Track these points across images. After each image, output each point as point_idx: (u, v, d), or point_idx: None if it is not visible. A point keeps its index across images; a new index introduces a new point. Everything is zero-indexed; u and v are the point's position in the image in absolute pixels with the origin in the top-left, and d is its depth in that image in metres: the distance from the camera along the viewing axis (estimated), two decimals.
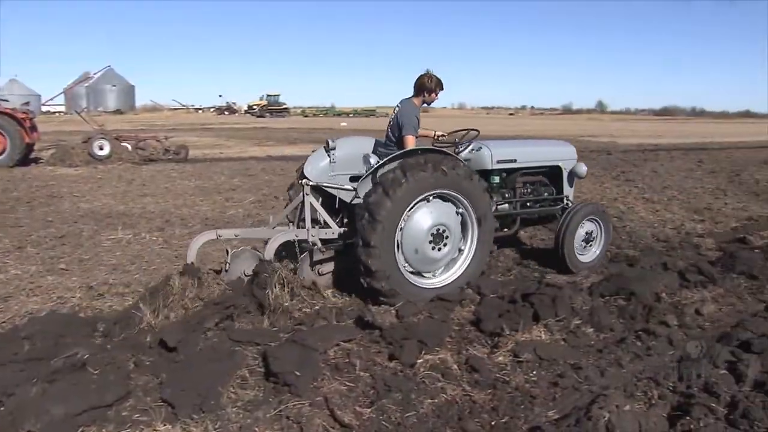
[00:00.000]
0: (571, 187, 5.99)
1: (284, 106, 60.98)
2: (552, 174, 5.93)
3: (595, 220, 5.69)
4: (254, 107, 59.90)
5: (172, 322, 3.85)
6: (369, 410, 2.97)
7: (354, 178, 5.19)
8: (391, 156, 4.65)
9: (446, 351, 3.64)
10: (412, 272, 4.59)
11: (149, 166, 13.80)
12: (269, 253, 4.45)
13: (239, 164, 14.45)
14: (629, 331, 3.98)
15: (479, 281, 4.78)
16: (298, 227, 4.85)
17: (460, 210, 4.74)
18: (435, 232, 4.60)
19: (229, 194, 9.89)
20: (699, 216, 8.31)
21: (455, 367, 3.43)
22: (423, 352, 3.53)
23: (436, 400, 3.09)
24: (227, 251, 4.57)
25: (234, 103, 66.81)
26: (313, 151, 5.30)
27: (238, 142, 23.63)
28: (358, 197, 4.61)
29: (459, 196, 4.67)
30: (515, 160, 5.62)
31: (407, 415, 2.95)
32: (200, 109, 70.32)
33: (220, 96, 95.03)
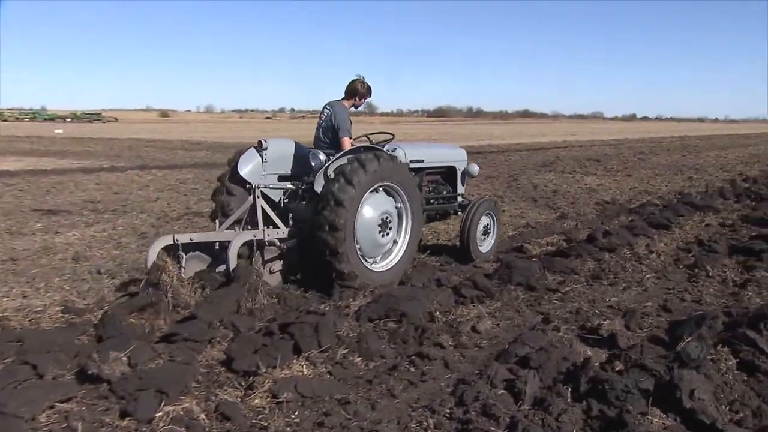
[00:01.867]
0: (463, 185, 8.32)
1: None
2: (448, 174, 8.17)
3: (490, 215, 8.00)
4: None
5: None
6: None
7: (282, 178, 6.89)
8: (341, 154, 6.38)
9: (192, 399, 3.74)
10: (363, 257, 6.31)
11: None
12: (233, 254, 5.72)
13: None
14: (402, 357, 4.54)
15: (234, 317, 5.01)
16: (244, 229, 6.26)
17: (398, 204, 6.64)
18: (382, 220, 6.45)
19: None
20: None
21: (203, 416, 3.54)
22: (163, 403, 3.57)
23: None
24: (182, 255, 5.80)
25: None
26: (244, 152, 6.78)
27: None
28: (314, 192, 6.31)
29: (400, 189, 6.55)
30: (423, 161, 7.61)
31: None
32: None
33: None
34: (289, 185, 6.83)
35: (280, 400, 3.74)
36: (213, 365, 4.29)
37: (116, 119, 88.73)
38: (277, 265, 6.11)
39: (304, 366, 4.24)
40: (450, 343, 4.83)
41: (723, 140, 50.15)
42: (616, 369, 4.00)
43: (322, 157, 6.62)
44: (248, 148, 6.84)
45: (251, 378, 4.03)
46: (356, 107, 6.99)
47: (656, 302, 6.07)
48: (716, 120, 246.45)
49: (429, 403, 3.76)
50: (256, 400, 3.76)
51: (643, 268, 7.31)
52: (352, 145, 6.62)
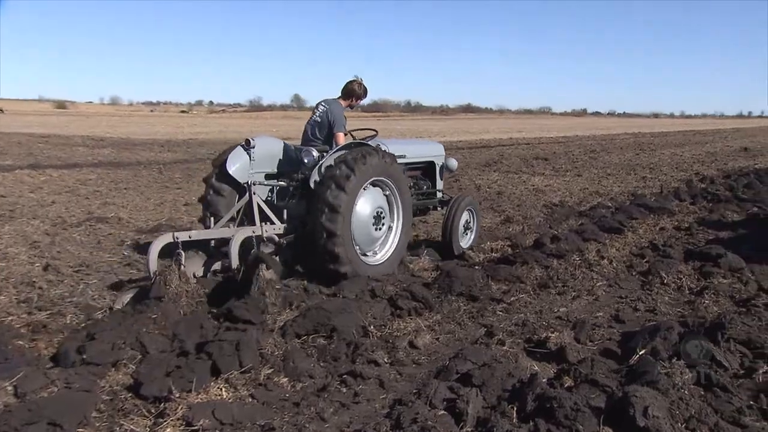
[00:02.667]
0: (441, 180, 9.40)
1: None
2: (428, 169, 9.24)
3: (471, 210, 8.99)
4: None
5: None
6: None
7: (269, 176, 7.80)
8: (335, 150, 7.28)
9: (92, 431, 3.68)
10: (361, 253, 7.22)
11: None
12: (234, 251, 6.47)
13: None
14: (332, 376, 4.58)
15: (143, 336, 4.92)
16: (238, 226, 7.15)
17: (387, 192, 7.56)
18: (376, 214, 7.38)
19: None
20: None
21: None
22: None
23: None
24: (181, 253, 6.26)
25: None
26: (231, 150, 7.59)
27: None
28: (307, 188, 7.10)
29: (389, 182, 7.46)
30: (405, 156, 8.51)
31: None
32: None
33: None
34: (281, 182, 7.80)
35: (196, 428, 3.72)
36: (118, 391, 4.22)
37: (2, 110, 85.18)
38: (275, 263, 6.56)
39: (224, 389, 4.22)
40: (385, 360, 4.90)
41: (678, 137, 52.25)
42: (566, 385, 4.14)
43: (316, 153, 7.47)
44: (235, 147, 7.66)
45: (162, 404, 3.98)
46: (351, 107, 8.07)
47: (608, 312, 6.31)
48: (671, 115, 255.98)
49: (362, 427, 3.81)
50: (168, 429, 3.73)
51: (593, 276, 7.57)
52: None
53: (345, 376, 4.56)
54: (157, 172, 19.01)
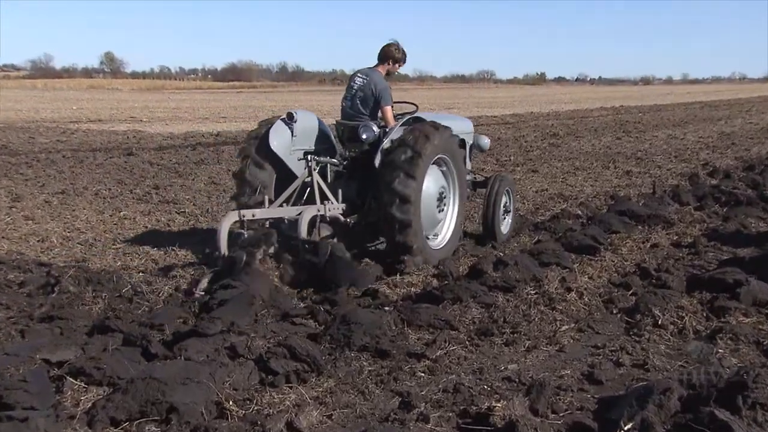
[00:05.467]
0: (470, 161, 12.30)
1: None
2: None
3: (509, 192, 11.92)
4: None
5: None
6: None
7: (307, 153, 10.22)
8: (397, 125, 10.24)
9: None
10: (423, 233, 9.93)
11: None
12: (303, 230, 9.13)
13: None
14: None
15: None
16: (297, 204, 9.95)
17: (443, 168, 10.47)
18: (438, 195, 10.26)
19: None
20: None
21: None
22: None
23: None
24: (243, 233, 9.09)
25: None
26: (272, 124, 10.24)
27: None
28: (368, 166, 10.14)
29: (447, 158, 10.33)
30: None
31: None
32: None
33: None
34: (333, 160, 10.68)
35: None
36: None
37: None
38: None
39: None
40: None
41: (678, 112, 53.96)
42: None
43: (376, 129, 10.28)
44: (276, 120, 10.34)
45: None
46: (391, 74, 10.78)
47: (578, 369, 6.49)
48: (668, 80, 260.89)
49: None
50: None
51: (556, 316, 7.80)
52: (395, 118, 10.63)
53: None
54: None
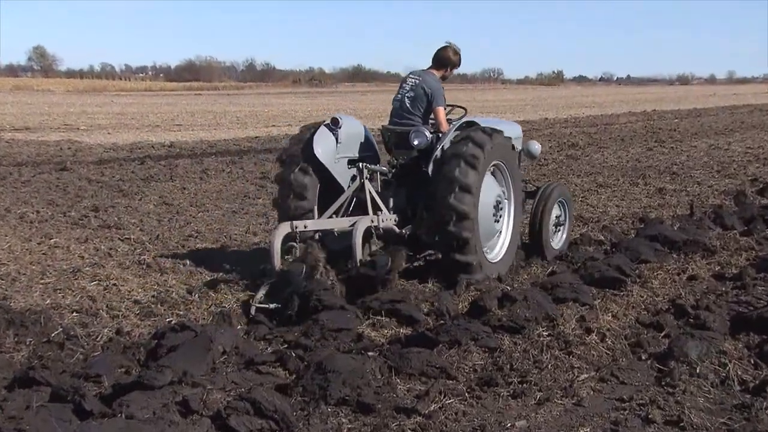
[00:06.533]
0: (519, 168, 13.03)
1: None
2: None
3: (562, 203, 13.02)
4: None
5: None
6: None
7: (352, 162, 11.57)
8: (451, 131, 11.27)
9: None
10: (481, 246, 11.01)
11: None
12: (358, 242, 10.16)
13: None
14: None
15: None
16: (344, 215, 11.25)
17: (498, 175, 11.59)
18: (496, 203, 11.38)
19: None
20: None
21: None
22: None
23: None
24: (295, 245, 10.27)
25: None
26: (316, 129, 11.29)
27: None
28: (420, 174, 11.36)
29: (504, 166, 11.56)
30: None
31: None
32: None
33: None
34: (382, 168, 11.75)
35: None
36: None
37: None
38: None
39: None
40: None
41: (723, 118, 54.07)
42: None
43: (428, 134, 11.22)
44: (319, 125, 11.38)
45: None
46: (445, 78, 11.97)
47: (599, 426, 6.54)
48: (710, 80, 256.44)
49: None
50: None
51: (574, 363, 7.82)
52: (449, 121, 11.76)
53: None
54: None
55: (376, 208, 11.01)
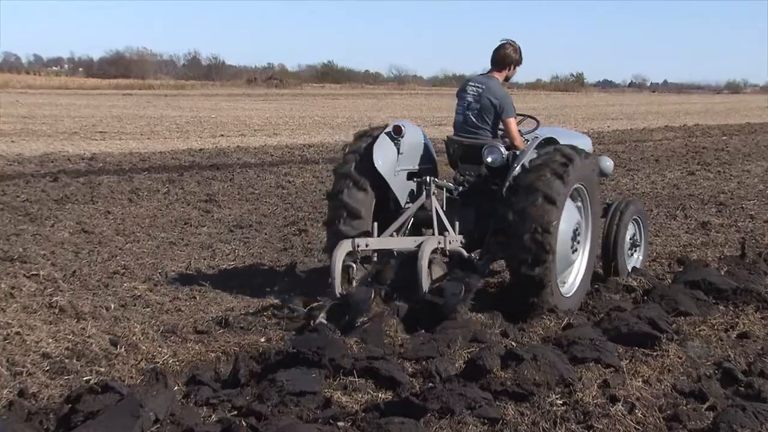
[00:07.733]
0: None
1: None
2: None
3: (637, 221, 14.39)
4: None
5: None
6: None
7: (412, 175, 12.91)
8: (530, 149, 12.32)
9: None
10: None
11: None
12: (424, 265, 11.27)
13: None
14: None
15: None
16: (404, 234, 12.54)
17: (578, 203, 12.66)
18: (573, 232, 12.37)
19: None
20: None
21: None
22: None
23: None
24: (354, 266, 11.59)
25: None
26: (376, 137, 12.53)
27: None
28: (492, 193, 12.65)
29: (585, 189, 12.57)
30: None
31: None
32: None
33: None
34: (449, 184, 12.84)
35: None
36: None
37: None
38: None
39: None
40: None
41: None
42: None
43: (504, 151, 12.25)
44: (380, 133, 12.51)
45: None
46: (508, 79, 13.23)
47: None
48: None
49: None
50: None
51: None
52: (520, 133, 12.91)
53: None
54: None
55: (442, 228, 11.89)
